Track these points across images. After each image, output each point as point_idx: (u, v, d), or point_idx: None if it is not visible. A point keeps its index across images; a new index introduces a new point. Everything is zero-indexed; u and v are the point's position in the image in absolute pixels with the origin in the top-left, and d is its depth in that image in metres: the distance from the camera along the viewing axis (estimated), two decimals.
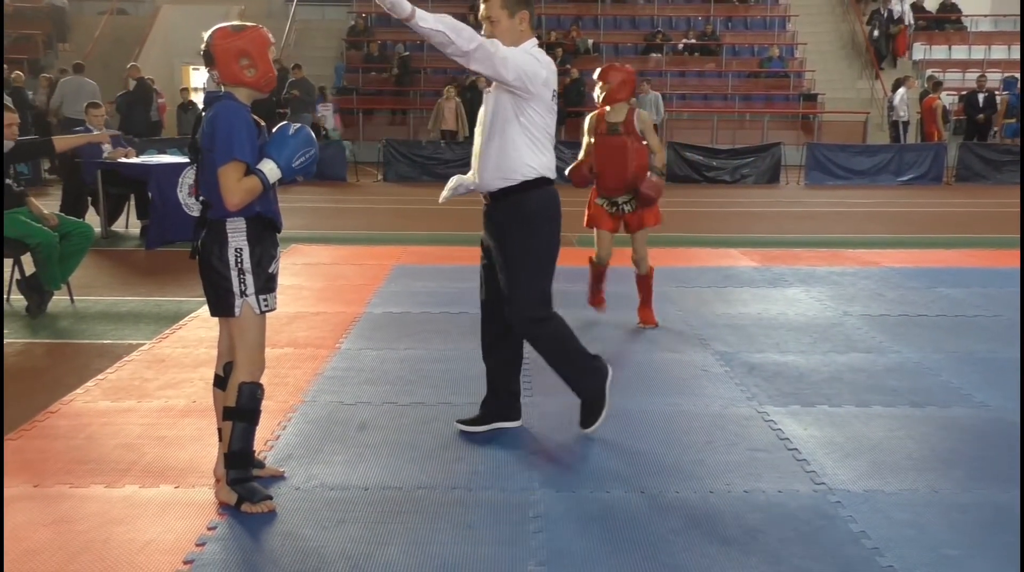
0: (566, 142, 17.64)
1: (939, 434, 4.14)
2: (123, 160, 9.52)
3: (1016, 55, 22.23)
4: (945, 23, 23.15)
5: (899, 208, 13.16)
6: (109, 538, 3.07)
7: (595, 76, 5.77)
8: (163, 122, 17.84)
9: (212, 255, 3.25)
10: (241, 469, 3.31)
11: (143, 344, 5.47)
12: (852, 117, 20.19)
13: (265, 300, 3.30)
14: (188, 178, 9.41)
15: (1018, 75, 18.69)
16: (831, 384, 4.79)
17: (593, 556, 3.00)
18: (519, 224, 3.83)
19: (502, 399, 4.16)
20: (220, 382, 3.43)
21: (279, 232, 3.38)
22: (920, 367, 5.07)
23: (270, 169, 3.18)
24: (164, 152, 11.50)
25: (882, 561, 2.96)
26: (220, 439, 3.42)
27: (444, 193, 4.20)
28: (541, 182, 3.84)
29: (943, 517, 3.29)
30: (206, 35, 3.21)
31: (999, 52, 22.30)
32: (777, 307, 6.54)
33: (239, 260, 3.24)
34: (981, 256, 8.73)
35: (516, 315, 3.89)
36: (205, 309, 6.29)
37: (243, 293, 3.26)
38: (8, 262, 6.36)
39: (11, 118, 6.17)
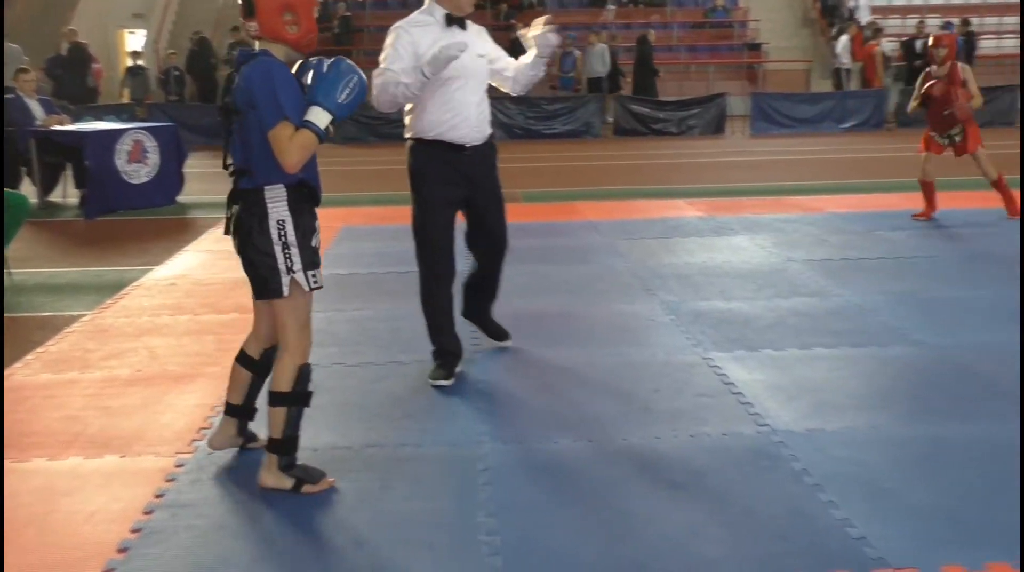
0: (512, 97, 17.55)
1: (879, 373, 4.24)
2: (57, 127, 9.28)
3: (955, 0, 22.48)
4: None
5: (842, 154, 13.31)
6: (54, 510, 3.04)
7: (932, 43, 7.71)
8: (99, 88, 17.38)
9: (252, 230, 2.99)
10: (293, 454, 3.15)
11: (84, 315, 5.38)
12: (795, 66, 20.31)
13: (314, 276, 3.06)
14: (126, 145, 9.22)
15: (956, 20, 18.88)
16: (775, 328, 4.87)
17: (542, 505, 3.03)
18: (495, 167, 4.31)
19: (489, 326, 4.64)
20: (246, 361, 3.32)
21: (318, 204, 3.12)
22: (861, 309, 5.17)
23: (317, 115, 2.88)
24: (101, 119, 11.23)
25: (823, 497, 3.04)
26: (228, 412, 3.38)
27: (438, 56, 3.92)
28: None
29: (882, 452, 3.38)
30: None
31: None
32: (723, 255, 6.61)
33: (283, 233, 2.98)
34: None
35: (504, 242, 4.38)
36: (147, 278, 6.27)
37: (290, 269, 3.00)
38: None
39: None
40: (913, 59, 17.85)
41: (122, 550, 2.80)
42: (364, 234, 7.66)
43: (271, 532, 2.90)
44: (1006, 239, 6.91)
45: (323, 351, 4.63)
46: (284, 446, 3.13)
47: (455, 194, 4.14)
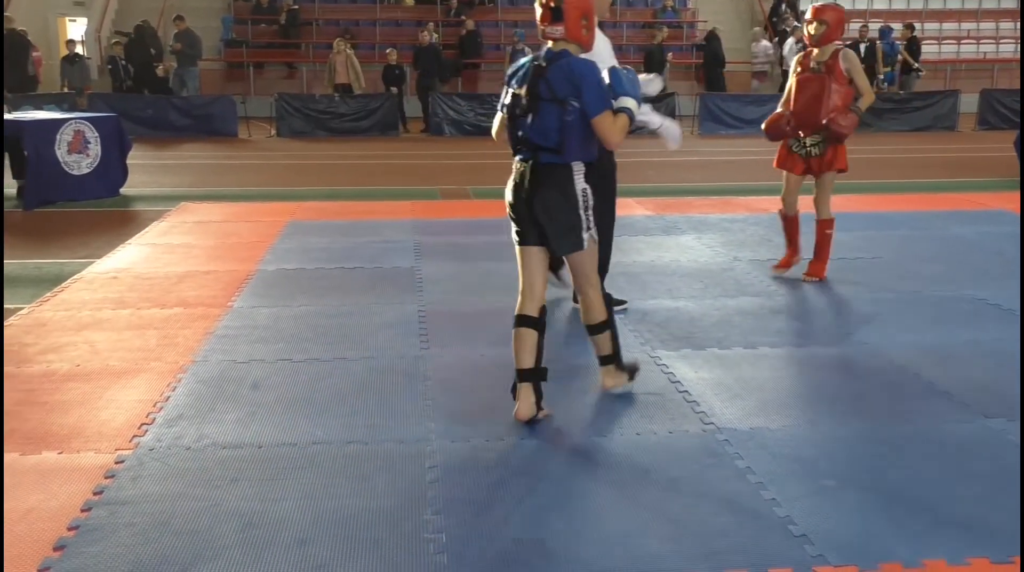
0: (463, 94, 17.54)
1: (821, 372, 4.31)
2: None
3: (897, 5, 22.96)
4: None
5: None
6: None
7: (808, 15, 5.58)
8: (39, 77, 16.96)
9: (559, 198, 3.58)
10: (621, 357, 3.94)
11: (22, 309, 5.25)
12: (744, 67, 20.53)
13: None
14: (67, 135, 9.01)
15: (893, 25, 19.23)
16: (721, 327, 4.92)
17: (488, 502, 3.03)
18: None
19: None
20: (531, 322, 3.67)
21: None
22: (804, 308, 5.25)
23: (630, 104, 3.58)
24: (41, 108, 10.96)
25: (765, 495, 3.08)
26: (524, 379, 3.65)
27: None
28: None
29: (822, 451, 3.43)
30: None
31: (881, 3, 22.98)
32: (670, 254, 6.66)
33: (585, 198, 3.61)
34: (863, 201, 9.04)
35: None
36: (88, 271, 6.14)
37: (588, 227, 3.65)
38: None
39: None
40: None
41: (58, 548, 2.74)
42: (310, 229, 7.59)
43: (212, 530, 2.86)
44: (945, 240, 7.07)
45: (269, 347, 4.59)
46: (617, 356, 3.92)
47: None
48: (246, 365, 4.33)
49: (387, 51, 17.11)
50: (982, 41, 22.32)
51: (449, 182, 10.46)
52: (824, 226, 5.82)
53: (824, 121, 5.48)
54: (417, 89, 17.03)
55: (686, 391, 4.01)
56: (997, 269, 6.18)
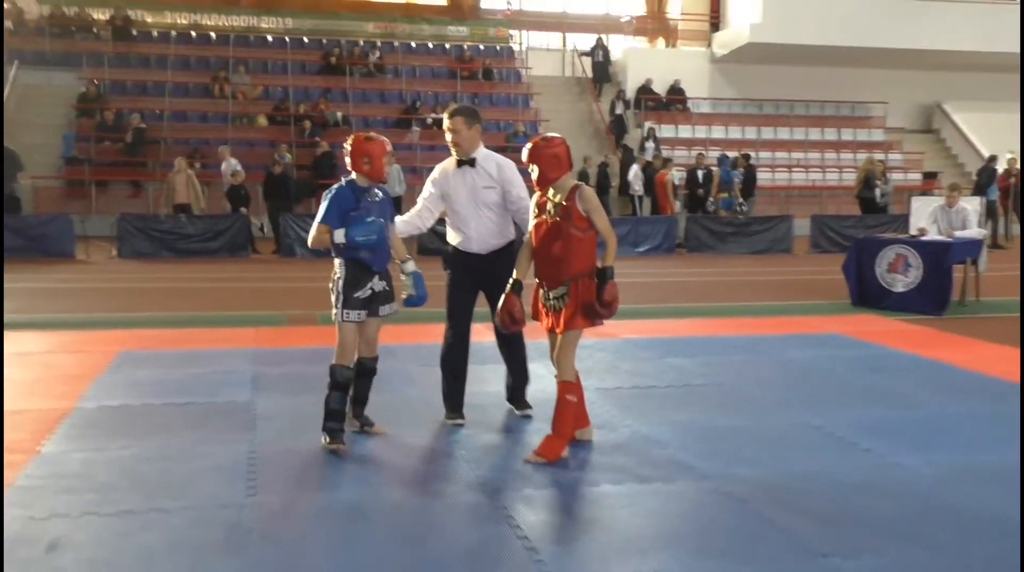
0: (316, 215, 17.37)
1: (664, 510, 4.23)
2: None
3: (733, 135, 24.45)
4: (671, 105, 25.07)
5: (636, 278, 13.82)
6: None
7: (523, 157, 4.85)
8: None
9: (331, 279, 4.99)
10: (334, 421, 4.96)
11: None
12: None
13: (347, 314, 4.92)
14: None
15: (730, 153, 20.35)
16: (562, 465, 4.80)
17: None
18: (509, 268, 5.13)
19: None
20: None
21: (375, 272, 4.98)
22: (648, 441, 5.21)
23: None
24: None
25: None
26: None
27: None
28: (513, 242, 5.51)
29: None
30: (349, 139, 4.99)
31: (718, 132, 24.44)
32: None
33: (336, 285, 4.94)
34: (707, 325, 9.29)
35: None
36: None
37: (335, 305, 4.94)
38: None
39: None
40: (695, 187, 19.10)
41: None
42: (142, 360, 7.16)
43: None
44: (782, 364, 7.26)
45: (75, 499, 4.19)
46: (328, 414, 4.98)
47: (471, 282, 5.69)
48: (45, 522, 3.91)
49: (232, 173, 16.86)
50: (811, 170, 23.92)
51: (297, 307, 10.19)
52: (564, 389, 4.85)
53: (591, 309, 4.78)
54: (268, 210, 16.80)
55: (525, 536, 3.84)
56: (831, 395, 6.35)
